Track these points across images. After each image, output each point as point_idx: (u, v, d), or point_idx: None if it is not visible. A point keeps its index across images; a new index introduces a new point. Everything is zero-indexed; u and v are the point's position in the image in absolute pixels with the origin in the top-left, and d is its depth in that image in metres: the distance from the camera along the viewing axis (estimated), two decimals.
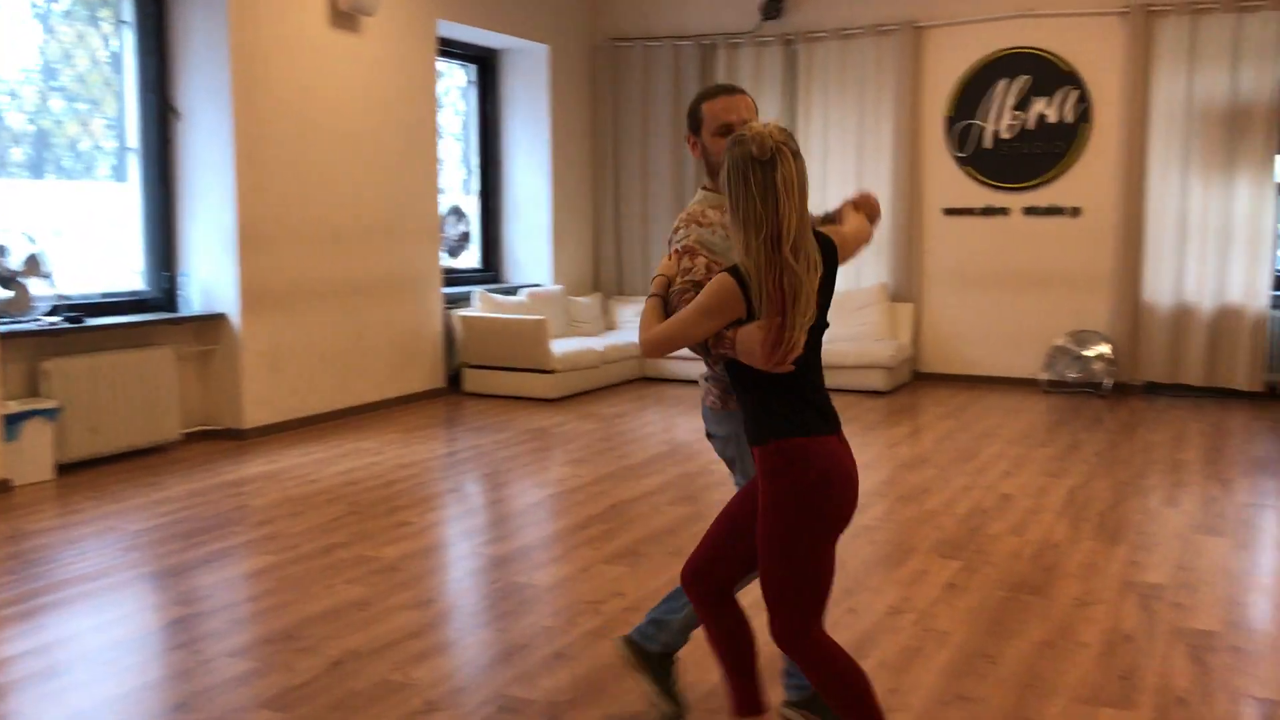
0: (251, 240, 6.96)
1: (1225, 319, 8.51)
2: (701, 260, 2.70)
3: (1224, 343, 8.53)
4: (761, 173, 2.37)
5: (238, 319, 6.92)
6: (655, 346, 2.60)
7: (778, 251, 2.37)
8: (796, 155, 2.41)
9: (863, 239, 2.88)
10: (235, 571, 4.49)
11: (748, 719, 2.76)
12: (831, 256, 2.61)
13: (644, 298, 2.92)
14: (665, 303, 2.68)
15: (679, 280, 2.69)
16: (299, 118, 7.28)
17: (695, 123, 2.90)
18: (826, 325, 2.60)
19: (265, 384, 7.12)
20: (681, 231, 2.78)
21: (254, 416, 7.05)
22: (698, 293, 2.55)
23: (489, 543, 4.91)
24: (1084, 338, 8.84)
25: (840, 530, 2.57)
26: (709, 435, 3.09)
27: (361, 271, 7.87)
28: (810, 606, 2.56)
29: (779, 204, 2.37)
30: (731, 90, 2.92)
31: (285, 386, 7.27)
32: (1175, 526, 5.10)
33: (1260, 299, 8.39)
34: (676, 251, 2.75)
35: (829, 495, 2.50)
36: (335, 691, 3.32)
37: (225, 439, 6.94)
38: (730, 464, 3.06)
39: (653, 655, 3.11)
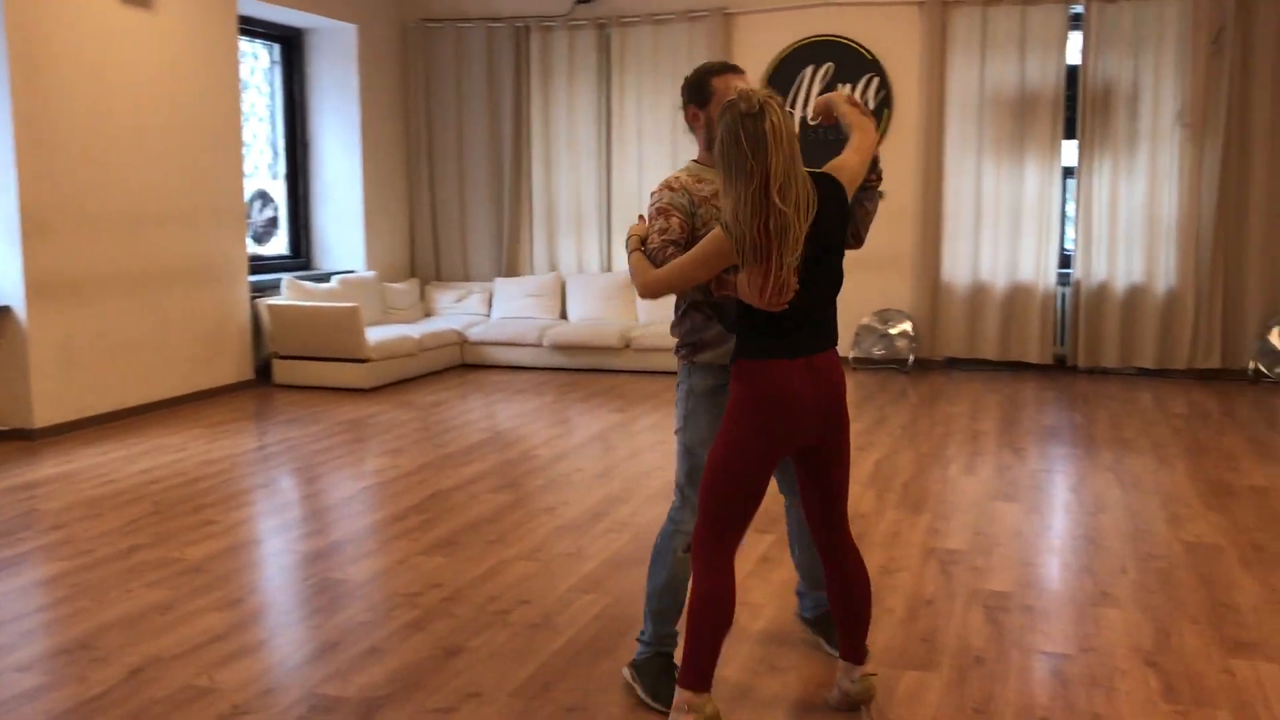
0: (37, 228, 6.54)
1: (1017, 296, 8.99)
2: (676, 220, 2.97)
3: (1017, 318, 9.02)
4: (752, 124, 2.61)
5: (23, 311, 6.50)
6: (655, 287, 2.87)
7: (765, 196, 2.60)
8: (783, 108, 2.67)
9: (867, 150, 2.98)
10: (24, 580, 4.22)
11: (697, 691, 2.83)
12: (836, 193, 2.85)
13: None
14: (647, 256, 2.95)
15: (657, 238, 2.94)
16: (89, 99, 6.87)
17: (703, 96, 3.05)
18: (842, 252, 2.92)
19: (57, 380, 6.71)
20: (655, 195, 3.03)
21: (45, 415, 6.64)
22: (677, 249, 2.89)
23: (301, 538, 4.76)
24: (888, 316, 9.19)
25: (780, 452, 2.83)
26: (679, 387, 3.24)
27: (161, 260, 7.50)
28: (725, 522, 2.82)
29: (768, 151, 2.60)
30: (738, 69, 3.13)
31: (80, 382, 6.88)
32: (973, 494, 5.36)
33: (1049, 276, 8.90)
34: (650, 213, 3.01)
35: (771, 414, 2.77)
36: (133, 701, 3.16)
37: (12, 440, 6.52)
38: (678, 414, 3.20)
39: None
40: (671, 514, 3.19)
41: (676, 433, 3.18)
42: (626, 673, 3.23)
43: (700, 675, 2.82)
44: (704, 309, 3.07)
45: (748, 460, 2.81)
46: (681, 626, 2.99)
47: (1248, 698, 3.17)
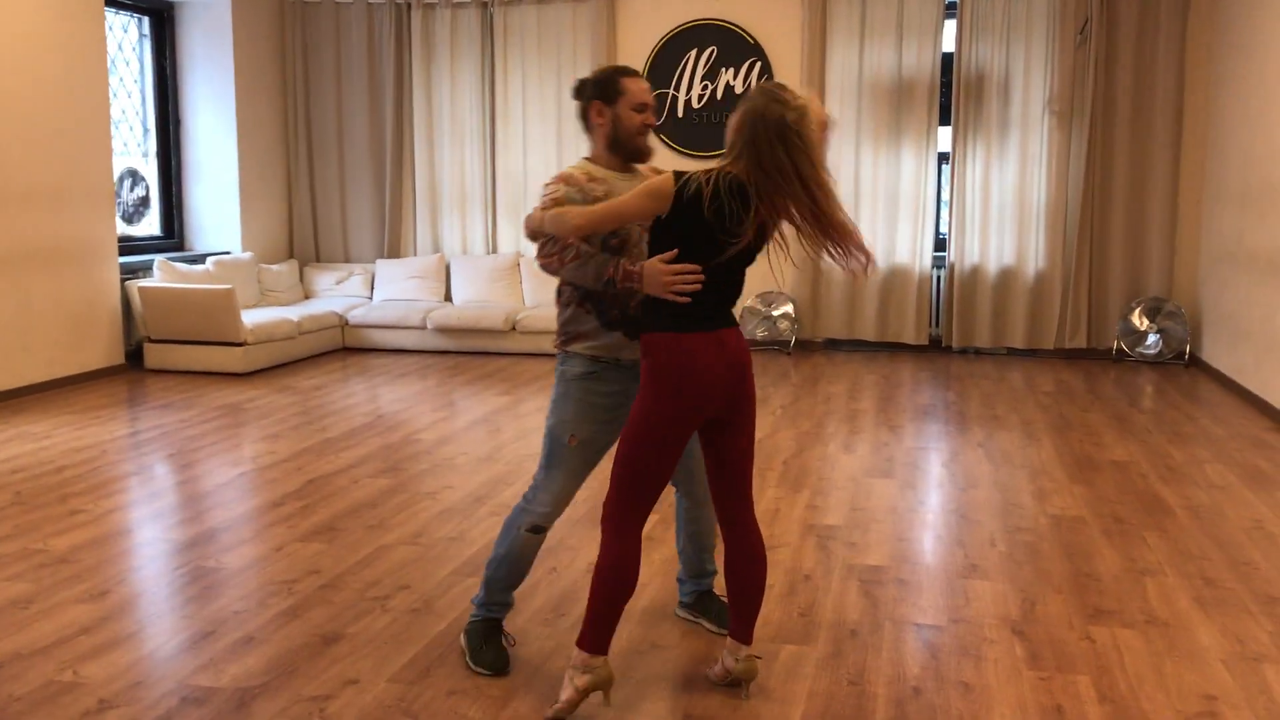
0: None
1: (894, 278, 9.21)
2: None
3: (894, 300, 9.24)
4: (795, 132, 2.77)
5: None
6: (589, 224, 2.86)
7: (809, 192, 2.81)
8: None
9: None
10: None
11: (594, 654, 2.91)
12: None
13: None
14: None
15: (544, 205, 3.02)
16: None
17: (611, 94, 3.11)
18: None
19: None
20: (551, 186, 3.07)
21: None
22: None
23: (174, 526, 4.63)
24: (771, 298, 9.32)
25: (693, 422, 2.88)
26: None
27: (26, 240, 7.19)
28: (637, 493, 2.89)
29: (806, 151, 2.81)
30: (640, 74, 3.27)
31: None
32: (850, 471, 5.48)
33: (924, 259, 9.13)
34: (544, 204, 3.03)
35: (685, 384, 2.84)
36: None
37: None
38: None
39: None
40: (526, 493, 3.25)
41: (547, 424, 3.23)
42: (461, 639, 3.32)
43: (598, 639, 2.90)
44: (587, 304, 3.12)
45: (663, 431, 2.86)
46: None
47: (1106, 662, 3.32)
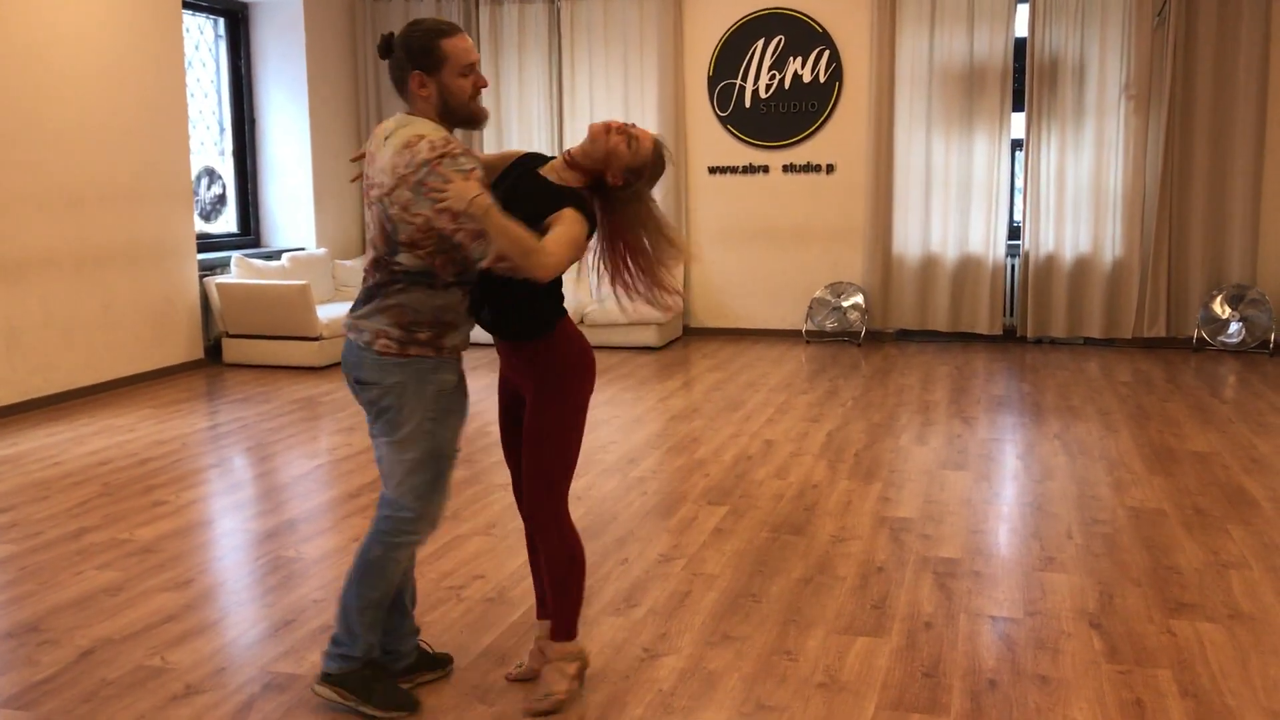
0: None
1: (967, 267, 9.09)
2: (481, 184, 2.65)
3: (966, 290, 9.12)
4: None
5: None
6: (560, 270, 2.72)
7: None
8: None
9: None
10: None
11: (574, 639, 3.01)
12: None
13: None
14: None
15: (481, 199, 2.59)
16: (31, 77, 6.73)
17: (433, 61, 2.72)
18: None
19: (1, 362, 6.60)
20: (463, 161, 2.64)
21: None
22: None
23: (254, 517, 4.73)
24: (840, 289, 9.26)
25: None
26: (360, 383, 2.84)
27: (107, 239, 7.39)
28: (567, 481, 2.92)
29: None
30: (458, 28, 2.80)
31: (24, 364, 6.77)
32: (923, 463, 5.43)
33: (998, 248, 9.00)
34: (449, 177, 2.62)
35: (591, 366, 2.94)
36: (85, 683, 3.14)
37: None
38: (383, 414, 2.83)
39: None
40: (401, 525, 2.87)
41: (398, 441, 2.82)
42: (326, 691, 2.91)
43: (574, 625, 2.99)
44: (464, 284, 2.80)
45: (582, 415, 2.93)
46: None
47: (1188, 656, 3.25)
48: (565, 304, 2.97)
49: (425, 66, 2.73)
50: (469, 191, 2.59)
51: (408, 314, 2.77)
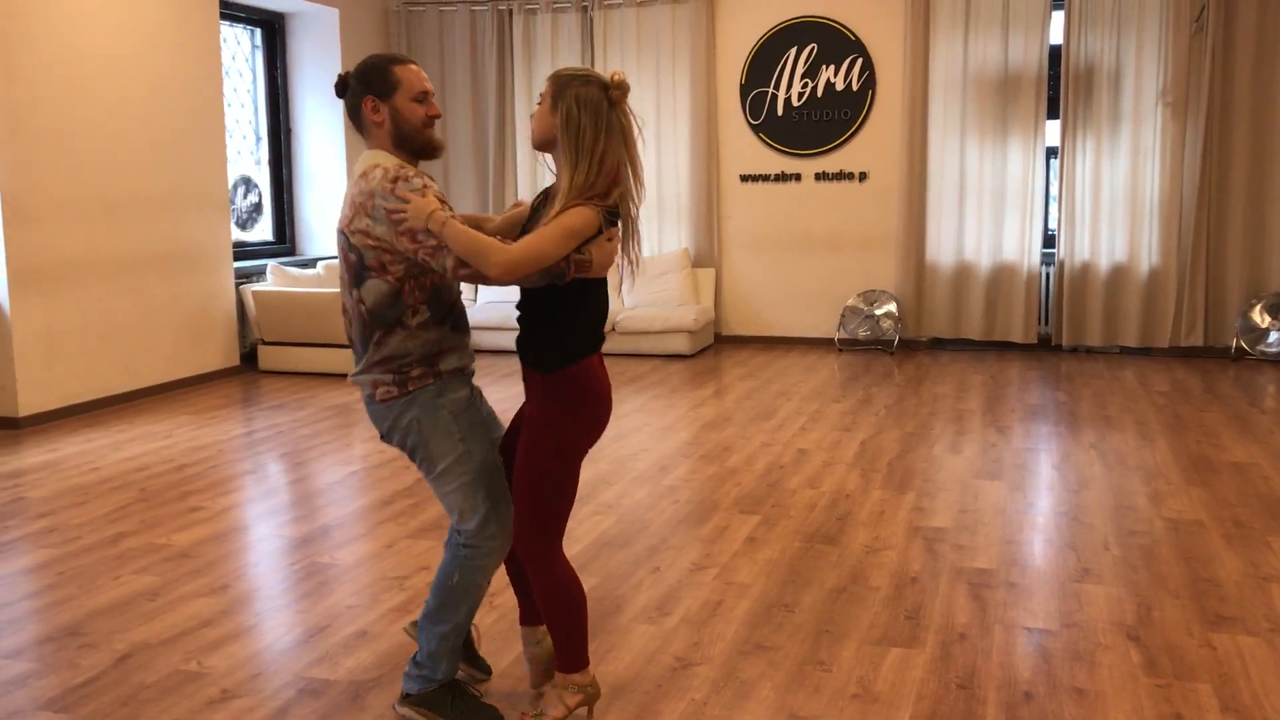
0: (18, 216, 6.51)
1: (1001, 275, 9.03)
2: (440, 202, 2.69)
3: (1001, 298, 9.06)
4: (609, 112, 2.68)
5: (5, 300, 6.47)
6: (519, 267, 2.59)
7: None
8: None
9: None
10: (11, 568, 4.22)
11: (583, 670, 2.91)
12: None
13: None
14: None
15: (439, 213, 2.63)
16: (70, 86, 6.83)
17: (387, 87, 2.76)
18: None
19: (40, 368, 6.69)
20: (401, 182, 2.67)
21: (30, 403, 6.62)
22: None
23: (289, 523, 4.77)
24: (873, 297, 9.22)
25: (594, 441, 2.84)
26: (384, 435, 2.91)
27: (145, 246, 7.48)
28: (561, 520, 2.81)
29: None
30: (412, 60, 2.87)
31: (63, 370, 6.86)
32: (958, 473, 5.40)
33: (1033, 256, 8.94)
34: (422, 190, 2.69)
35: (596, 411, 2.80)
36: (123, 687, 3.17)
37: None
38: (415, 453, 2.88)
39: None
40: (477, 547, 2.89)
41: (440, 474, 2.85)
42: (407, 711, 2.97)
43: (580, 657, 2.89)
44: (447, 321, 2.87)
45: (577, 460, 2.79)
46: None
47: (1228, 670, 3.21)
48: (599, 343, 2.83)
49: (379, 92, 2.77)
50: (427, 206, 2.64)
51: (395, 359, 2.80)
